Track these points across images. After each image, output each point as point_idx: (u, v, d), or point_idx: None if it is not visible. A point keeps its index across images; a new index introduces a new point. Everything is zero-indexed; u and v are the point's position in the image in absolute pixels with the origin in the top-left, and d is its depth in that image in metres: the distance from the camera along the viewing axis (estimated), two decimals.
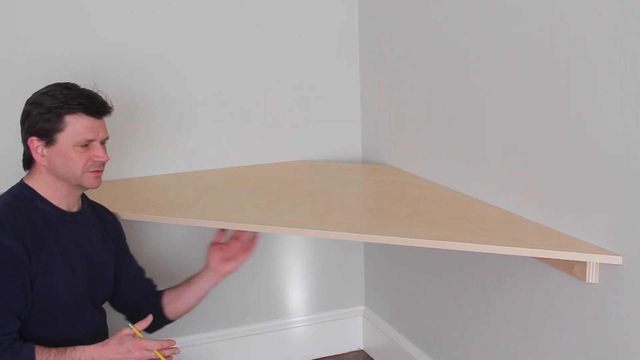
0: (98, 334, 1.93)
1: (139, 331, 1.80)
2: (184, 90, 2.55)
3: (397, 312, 2.71)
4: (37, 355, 1.71)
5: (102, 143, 1.84)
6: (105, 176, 2.46)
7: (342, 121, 2.78)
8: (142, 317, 1.89)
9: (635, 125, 1.50)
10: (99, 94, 1.84)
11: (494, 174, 2.00)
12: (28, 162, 1.83)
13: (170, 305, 2.12)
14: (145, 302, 2.11)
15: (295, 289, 2.86)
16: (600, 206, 1.62)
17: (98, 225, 1.99)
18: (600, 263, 1.63)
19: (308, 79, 2.70)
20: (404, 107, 2.46)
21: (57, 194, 1.83)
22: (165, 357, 1.77)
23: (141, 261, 2.48)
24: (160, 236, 2.62)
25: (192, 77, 2.55)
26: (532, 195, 1.85)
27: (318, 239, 2.82)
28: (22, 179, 1.87)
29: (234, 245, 2.14)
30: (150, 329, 1.99)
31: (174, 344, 1.78)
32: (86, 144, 1.79)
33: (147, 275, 2.19)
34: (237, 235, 2.15)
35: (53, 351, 1.73)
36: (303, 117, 2.72)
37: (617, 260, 1.58)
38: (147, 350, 1.75)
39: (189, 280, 2.15)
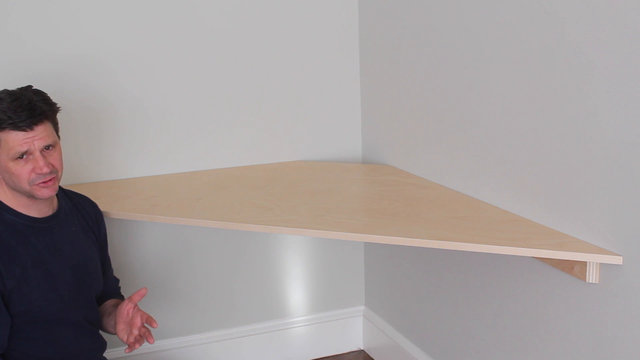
0: (89, 334, 1.93)
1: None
2: (185, 90, 2.55)
3: (397, 312, 2.71)
4: None
5: (47, 149, 1.76)
6: (105, 176, 2.49)
7: (342, 121, 2.78)
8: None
9: (635, 125, 1.50)
10: (31, 100, 1.73)
11: (494, 173, 2.00)
12: None
13: (102, 314, 2.05)
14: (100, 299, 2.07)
15: (295, 289, 2.86)
16: (600, 206, 1.62)
17: (79, 221, 1.96)
18: (600, 263, 1.63)
19: (308, 79, 2.70)
20: (404, 107, 2.46)
21: (21, 204, 1.80)
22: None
23: (141, 260, 2.49)
24: (160, 236, 2.62)
25: (192, 77, 2.55)
26: (532, 195, 1.85)
27: (318, 239, 2.82)
28: None
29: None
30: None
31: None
32: (22, 156, 1.72)
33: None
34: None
35: None
36: (303, 117, 2.72)
37: (617, 260, 1.58)
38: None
39: (109, 311, 2.01)
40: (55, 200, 1.89)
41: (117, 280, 2.18)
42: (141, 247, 2.60)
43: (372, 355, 2.90)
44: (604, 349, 1.67)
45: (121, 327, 1.85)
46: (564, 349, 1.80)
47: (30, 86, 1.80)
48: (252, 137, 2.66)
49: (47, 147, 1.77)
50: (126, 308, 1.84)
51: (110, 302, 2.05)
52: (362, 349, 2.96)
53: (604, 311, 1.65)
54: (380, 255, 2.80)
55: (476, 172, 2.09)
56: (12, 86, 1.83)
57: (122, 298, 2.12)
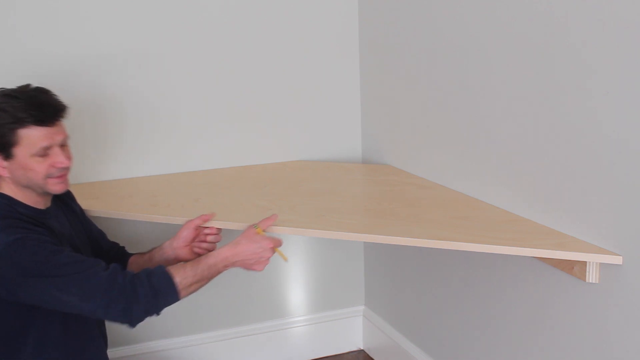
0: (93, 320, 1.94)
1: (261, 231, 1.84)
2: (185, 90, 2.55)
3: (397, 312, 2.71)
4: (174, 275, 1.75)
5: (62, 145, 1.81)
6: (106, 176, 2.49)
7: (342, 121, 2.78)
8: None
9: (635, 125, 1.50)
10: (50, 96, 1.80)
11: (494, 174, 2.00)
12: None
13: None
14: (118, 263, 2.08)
15: (295, 289, 2.86)
16: (600, 206, 1.62)
17: (63, 207, 1.99)
18: (600, 263, 1.63)
19: (308, 79, 2.70)
20: (404, 107, 2.46)
21: (30, 199, 1.82)
22: (283, 256, 1.89)
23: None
24: (160, 236, 2.62)
25: (192, 77, 2.55)
26: (532, 195, 1.85)
27: (318, 239, 2.82)
28: None
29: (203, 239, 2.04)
30: None
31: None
32: (44, 153, 1.76)
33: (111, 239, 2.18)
34: (205, 236, 2.03)
35: (187, 265, 1.78)
36: (303, 117, 2.72)
37: (617, 260, 1.58)
38: (274, 247, 1.82)
39: (151, 253, 2.08)
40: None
41: (117, 243, 2.18)
42: (141, 247, 2.60)
43: (372, 355, 2.90)
44: (604, 349, 1.67)
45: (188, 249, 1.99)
46: (564, 348, 1.80)
47: (29, 85, 1.82)
48: (252, 137, 2.66)
49: (63, 144, 1.82)
50: (194, 233, 1.97)
51: (136, 258, 2.10)
52: (362, 348, 2.96)
53: (604, 311, 1.65)
54: (380, 255, 2.80)
55: (476, 172, 2.09)
56: (13, 85, 1.83)
57: (127, 257, 2.13)
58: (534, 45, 1.78)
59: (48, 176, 1.78)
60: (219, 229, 2.00)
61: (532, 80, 1.79)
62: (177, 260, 1.99)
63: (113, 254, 2.12)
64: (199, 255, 1.97)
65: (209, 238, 2.00)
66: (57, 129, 1.78)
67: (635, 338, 1.58)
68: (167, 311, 2.65)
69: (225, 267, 1.82)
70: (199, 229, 2.00)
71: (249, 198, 2.21)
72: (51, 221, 1.85)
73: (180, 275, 1.76)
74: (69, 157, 1.82)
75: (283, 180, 2.45)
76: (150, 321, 2.63)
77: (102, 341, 1.99)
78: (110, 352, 2.48)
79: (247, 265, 1.83)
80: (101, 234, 2.15)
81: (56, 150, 1.78)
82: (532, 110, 1.81)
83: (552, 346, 1.84)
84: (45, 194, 1.83)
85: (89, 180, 2.48)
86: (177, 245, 2.00)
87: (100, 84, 2.44)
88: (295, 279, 2.85)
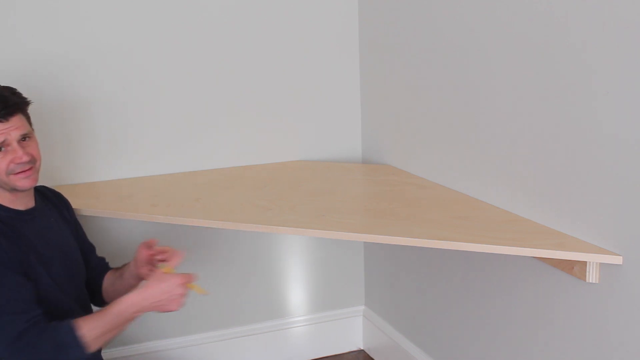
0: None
1: (171, 269, 1.78)
2: (185, 90, 2.55)
3: (397, 312, 2.71)
4: (81, 327, 1.68)
5: (23, 140, 1.78)
6: (106, 176, 2.49)
7: (342, 121, 2.78)
8: (93, 296, 2.00)
9: (635, 125, 1.50)
10: (6, 92, 1.77)
11: (494, 173, 2.00)
12: None
13: (109, 288, 2.05)
14: (99, 280, 2.07)
15: (295, 289, 2.86)
16: (600, 206, 1.62)
17: (54, 211, 1.97)
18: (600, 263, 1.63)
19: (308, 79, 2.70)
20: (404, 107, 2.47)
21: (5, 199, 1.80)
22: (200, 290, 1.80)
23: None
24: (160, 236, 2.62)
25: (192, 77, 2.55)
26: (532, 195, 1.85)
27: (318, 239, 2.82)
28: None
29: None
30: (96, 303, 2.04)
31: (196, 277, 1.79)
32: (2, 150, 1.74)
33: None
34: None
35: (95, 316, 1.71)
36: (303, 117, 2.72)
37: (617, 260, 1.58)
38: (185, 284, 1.74)
39: (122, 270, 2.05)
40: (32, 193, 1.90)
41: (103, 258, 2.16)
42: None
43: (372, 355, 2.90)
44: (604, 349, 1.67)
45: (145, 270, 1.92)
46: (564, 348, 1.80)
47: None
48: (252, 137, 2.66)
49: (24, 138, 1.79)
50: (146, 253, 1.91)
51: (110, 274, 2.07)
52: (362, 349, 2.96)
53: (604, 311, 1.65)
54: (380, 255, 2.80)
55: (476, 172, 2.09)
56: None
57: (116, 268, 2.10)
58: (534, 45, 1.78)
59: (10, 172, 1.76)
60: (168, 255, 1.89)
61: (532, 80, 1.79)
62: (141, 279, 1.94)
63: (98, 271, 2.09)
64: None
65: (158, 259, 1.93)
66: (13, 123, 1.75)
67: (635, 338, 1.58)
68: None
69: (136, 312, 1.73)
70: (150, 249, 1.94)
71: (249, 198, 2.21)
72: (27, 224, 1.82)
73: (87, 328, 1.68)
74: (29, 153, 1.78)
75: (283, 180, 2.45)
76: (150, 321, 2.65)
77: None
78: (110, 352, 2.49)
79: (161, 307, 1.75)
80: (91, 249, 2.11)
81: (14, 146, 1.76)
82: (533, 110, 1.81)
83: (552, 346, 1.84)
84: (15, 191, 1.80)
85: (89, 181, 2.47)
86: (136, 267, 1.96)
87: (100, 83, 2.44)
88: (295, 279, 2.85)
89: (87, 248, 2.09)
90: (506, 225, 1.85)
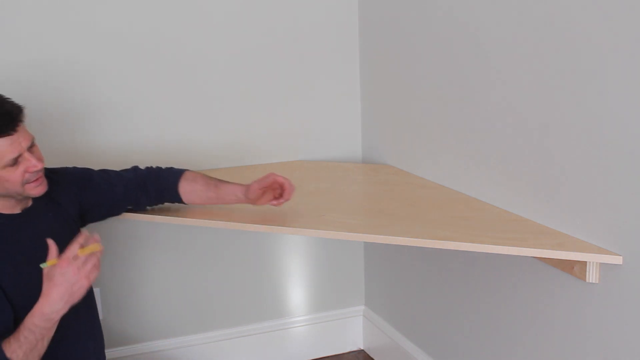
0: (85, 320, 1.91)
1: (53, 260, 1.67)
2: (185, 91, 2.55)
3: (397, 312, 2.71)
4: (4, 350, 1.63)
5: (31, 147, 1.75)
6: None
7: (342, 121, 2.78)
8: (164, 193, 2.03)
9: (635, 125, 1.50)
10: (3, 104, 1.71)
11: (494, 174, 2.00)
12: None
13: (188, 187, 2.06)
14: (148, 184, 2.07)
15: (295, 289, 2.86)
16: (600, 206, 1.62)
17: (52, 206, 1.91)
18: (600, 263, 1.63)
19: (308, 79, 2.70)
20: (404, 107, 2.47)
21: (7, 207, 1.78)
22: (91, 248, 1.65)
23: (141, 260, 2.48)
24: (160, 236, 2.62)
25: (192, 77, 2.55)
26: (532, 195, 1.85)
27: (318, 239, 2.82)
28: None
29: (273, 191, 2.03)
30: (158, 200, 2.07)
31: (87, 234, 1.68)
32: (15, 163, 1.71)
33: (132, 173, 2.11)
34: (275, 187, 2.01)
35: (11, 336, 1.66)
36: (303, 117, 2.72)
37: (617, 260, 1.58)
38: (73, 259, 1.63)
39: (218, 182, 2.06)
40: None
41: (136, 169, 2.11)
42: (141, 247, 2.60)
43: (372, 355, 2.90)
44: (604, 349, 1.67)
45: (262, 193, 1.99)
46: (564, 348, 1.80)
47: None
48: (252, 137, 2.66)
49: (31, 146, 1.76)
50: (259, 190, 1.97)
51: (188, 183, 2.07)
52: (362, 349, 2.96)
53: (604, 311, 1.65)
54: (380, 255, 2.80)
55: (476, 172, 2.09)
56: None
57: (170, 174, 2.10)
58: (533, 45, 1.78)
59: (25, 182, 1.74)
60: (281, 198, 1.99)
61: (532, 80, 1.80)
62: (252, 202, 2.01)
63: (140, 180, 2.07)
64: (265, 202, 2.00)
65: (280, 201, 1.98)
66: (20, 133, 1.71)
67: (635, 338, 1.58)
68: (167, 311, 2.67)
69: (51, 321, 1.65)
70: (260, 183, 1.98)
71: None
72: (21, 228, 1.79)
73: (10, 352, 1.63)
74: (40, 158, 1.76)
75: None
76: (150, 321, 2.65)
77: (84, 342, 1.94)
78: (110, 352, 2.49)
79: (72, 297, 1.65)
80: (119, 178, 2.06)
81: (26, 155, 1.73)
82: (532, 110, 1.81)
83: (552, 346, 1.84)
84: (25, 198, 1.79)
85: None
86: (247, 196, 2.01)
87: (102, 82, 2.44)
88: (295, 279, 2.85)
89: (107, 196, 2.03)
90: (506, 225, 1.85)
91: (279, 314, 2.85)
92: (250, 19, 2.58)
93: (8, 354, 1.62)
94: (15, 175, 1.72)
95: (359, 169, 2.63)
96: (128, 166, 2.16)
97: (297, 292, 2.86)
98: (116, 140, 2.49)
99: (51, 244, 1.68)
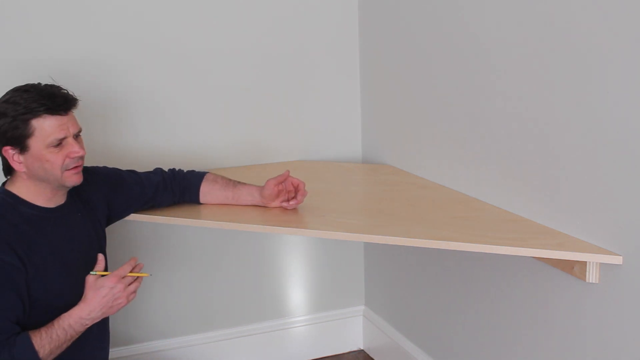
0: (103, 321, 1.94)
1: (101, 272, 1.82)
2: (184, 91, 2.55)
3: (397, 312, 2.71)
4: (33, 342, 1.71)
5: (76, 137, 1.82)
6: None
7: (342, 121, 2.78)
8: (185, 193, 2.09)
9: (635, 125, 1.50)
10: (60, 89, 1.81)
11: (494, 174, 2.00)
12: (8, 169, 1.82)
13: (207, 188, 2.12)
14: (174, 186, 2.12)
15: (295, 289, 2.86)
16: (600, 206, 1.62)
17: (82, 206, 1.95)
18: (600, 263, 1.63)
19: (308, 79, 2.70)
20: (404, 107, 2.47)
21: (42, 197, 1.82)
22: (142, 274, 1.83)
23: (141, 261, 2.47)
24: (161, 236, 2.62)
25: (192, 78, 2.55)
26: (532, 195, 1.85)
27: (318, 239, 2.82)
28: (2, 184, 1.85)
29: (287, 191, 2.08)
30: (179, 201, 2.12)
31: (137, 261, 1.84)
32: (59, 144, 1.77)
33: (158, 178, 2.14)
34: (290, 189, 2.06)
35: (43, 330, 1.73)
36: (303, 117, 2.72)
37: (617, 260, 1.58)
38: (123, 278, 1.79)
39: (237, 183, 2.12)
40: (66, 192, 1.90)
41: (161, 172, 2.15)
42: (141, 247, 2.60)
43: (372, 355, 2.90)
44: (604, 348, 1.67)
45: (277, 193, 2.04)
46: (564, 348, 1.80)
47: (39, 83, 1.82)
48: (252, 137, 2.66)
49: (77, 135, 1.82)
50: (275, 189, 2.02)
51: (209, 185, 2.12)
52: (362, 349, 2.96)
53: (604, 311, 1.66)
54: (380, 255, 2.80)
55: (476, 172, 2.09)
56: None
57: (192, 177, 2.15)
58: (533, 45, 1.78)
59: (65, 168, 1.78)
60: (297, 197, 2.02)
61: (532, 80, 1.80)
62: (265, 204, 2.06)
63: (168, 181, 2.11)
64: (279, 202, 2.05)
65: (290, 203, 2.03)
66: (70, 118, 1.79)
67: (635, 338, 1.58)
68: (167, 311, 2.67)
69: (84, 326, 1.78)
70: (280, 185, 2.03)
71: None
72: (53, 223, 1.83)
73: (37, 345, 1.71)
74: (83, 148, 1.82)
75: None
76: (150, 321, 2.65)
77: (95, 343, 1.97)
78: (111, 352, 2.48)
79: (110, 310, 1.80)
80: (146, 180, 2.10)
81: (71, 141, 1.78)
82: (532, 110, 1.81)
83: (552, 346, 1.84)
84: (60, 187, 1.82)
85: None
86: (262, 198, 2.06)
87: (103, 82, 2.44)
88: (295, 279, 2.85)
89: (138, 198, 2.08)
90: (506, 225, 1.85)
91: (279, 314, 2.85)
92: (251, 20, 2.58)
93: (36, 346, 1.71)
94: (57, 157, 1.77)
95: (359, 169, 2.63)
96: (134, 165, 2.19)
97: (297, 292, 2.87)
98: (119, 141, 2.49)
99: (100, 258, 1.84)
